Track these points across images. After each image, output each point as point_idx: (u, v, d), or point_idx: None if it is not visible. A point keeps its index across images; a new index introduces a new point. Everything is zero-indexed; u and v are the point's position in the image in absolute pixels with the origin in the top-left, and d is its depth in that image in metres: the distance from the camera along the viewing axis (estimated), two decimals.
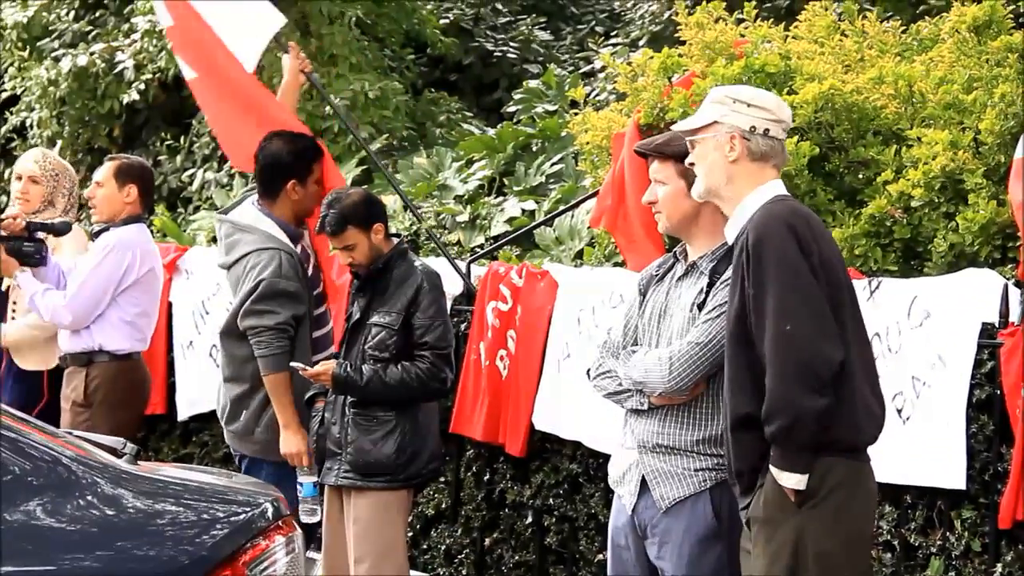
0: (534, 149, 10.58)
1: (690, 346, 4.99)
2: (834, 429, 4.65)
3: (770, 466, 4.66)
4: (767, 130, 4.85)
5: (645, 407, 5.13)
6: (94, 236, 7.66)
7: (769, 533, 4.70)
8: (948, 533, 6.11)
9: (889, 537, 6.24)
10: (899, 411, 6.06)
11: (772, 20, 7.80)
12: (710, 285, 5.07)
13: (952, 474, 5.96)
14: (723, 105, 4.88)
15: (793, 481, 4.63)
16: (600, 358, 5.34)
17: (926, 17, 7.97)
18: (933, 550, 6.13)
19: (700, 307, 5.06)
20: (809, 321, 4.59)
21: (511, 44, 13.86)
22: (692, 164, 4.94)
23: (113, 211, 7.57)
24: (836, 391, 4.62)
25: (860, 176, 6.76)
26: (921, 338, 6.05)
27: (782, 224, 4.68)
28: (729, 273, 4.94)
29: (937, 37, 7.43)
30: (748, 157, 4.84)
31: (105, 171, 7.64)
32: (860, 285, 6.16)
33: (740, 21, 7.65)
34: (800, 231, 4.67)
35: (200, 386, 9.47)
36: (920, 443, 5.99)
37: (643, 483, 5.15)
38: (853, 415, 4.69)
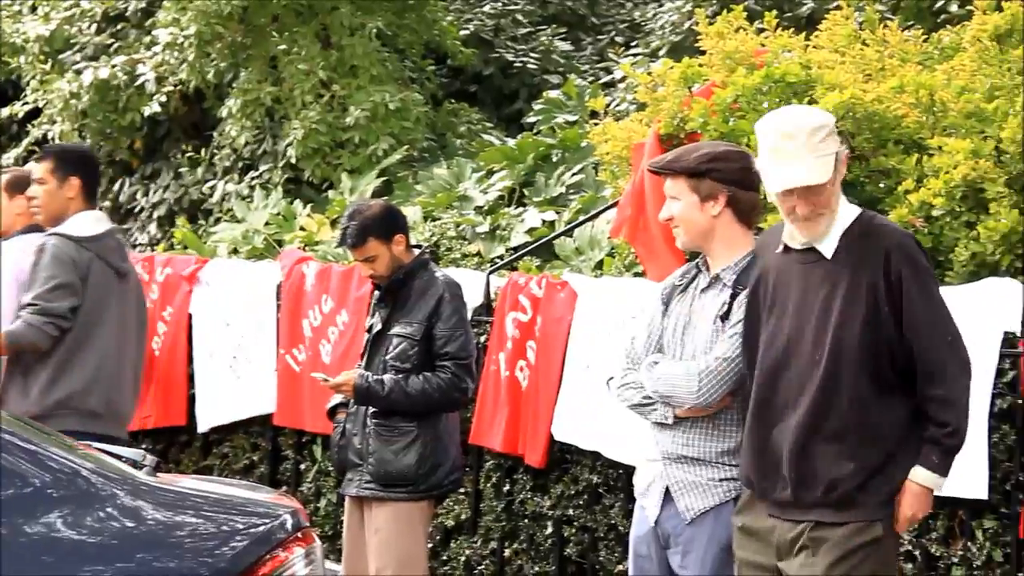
0: (554, 159, 10.57)
1: (718, 361, 5.00)
2: None
3: (927, 473, 4.72)
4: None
5: (670, 420, 5.14)
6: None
7: (854, 565, 4.75)
8: (970, 543, 6.08)
9: (911, 547, 6.22)
10: None
11: (792, 29, 7.78)
12: (733, 296, 5.07)
13: (974, 484, 5.93)
14: (826, 142, 4.79)
15: (940, 485, 4.78)
16: (624, 370, 5.34)
17: (947, 26, 7.96)
18: (955, 560, 6.11)
19: (724, 319, 5.06)
20: (960, 335, 4.80)
21: (531, 55, 13.85)
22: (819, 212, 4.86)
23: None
24: None
25: (881, 185, 6.74)
26: None
27: (912, 238, 4.89)
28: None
29: (958, 46, 7.41)
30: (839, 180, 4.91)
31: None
32: None
33: (760, 31, 7.64)
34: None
35: (220, 398, 9.49)
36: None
37: (667, 494, 5.15)
38: None
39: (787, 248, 4.90)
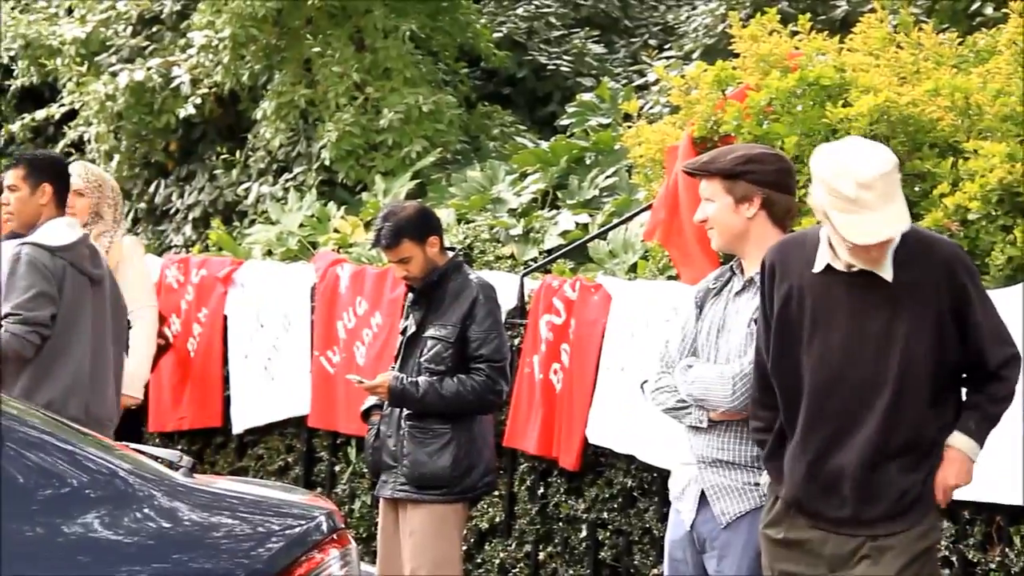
0: (587, 162, 10.57)
1: (752, 365, 4.98)
2: None
3: (969, 440, 4.77)
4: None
5: (704, 424, 5.14)
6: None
7: (912, 565, 4.76)
8: (1007, 549, 6.06)
9: (947, 553, 6.19)
10: None
11: (827, 32, 7.76)
12: None
13: (1011, 489, 5.91)
14: (898, 183, 4.71)
15: (978, 452, 4.82)
16: (658, 373, 5.33)
17: (983, 29, 7.92)
18: (992, 567, 6.08)
19: (758, 322, 5.05)
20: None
21: (564, 57, 13.85)
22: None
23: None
24: None
25: (916, 189, 6.72)
26: None
27: (960, 247, 5.04)
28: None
29: (994, 49, 7.38)
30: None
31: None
32: None
33: (794, 33, 7.62)
34: None
35: (255, 399, 9.52)
36: (980, 457, 5.94)
37: (702, 498, 5.15)
38: None
39: (828, 267, 4.77)
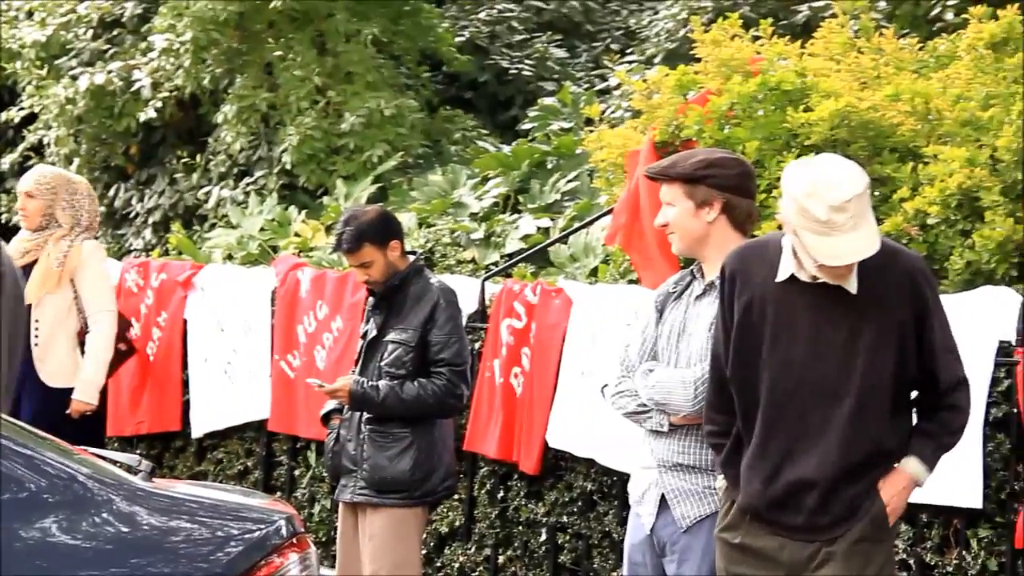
0: (549, 166, 10.57)
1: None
2: None
3: (919, 463, 4.75)
4: None
5: (665, 428, 5.14)
6: None
7: (864, 561, 4.72)
8: (964, 552, 6.08)
9: (905, 556, 6.22)
10: None
11: (788, 37, 7.79)
12: None
13: (968, 493, 5.93)
14: (868, 202, 4.65)
15: (923, 482, 4.80)
16: (618, 377, 5.33)
17: (943, 34, 7.96)
18: (949, 569, 6.11)
19: None
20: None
21: (526, 62, 13.86)
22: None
23: None
24: None
25: (876, 193, 6.74)
26: None
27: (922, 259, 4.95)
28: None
29: (954, 54, 7.42)
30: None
31: None
32: None
33: (756, 38, 7.65)
34: None
35: (215, 403, 9.48)
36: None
37: (663, 502, 5.15)
38: None
39: (792, 277, 4.72)
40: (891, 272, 4.70)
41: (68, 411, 7.73)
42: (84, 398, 7.75)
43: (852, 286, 4.66)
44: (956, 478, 5.93)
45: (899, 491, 4.75)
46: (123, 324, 8.23)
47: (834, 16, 7.77)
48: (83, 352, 7.85)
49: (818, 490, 4.71)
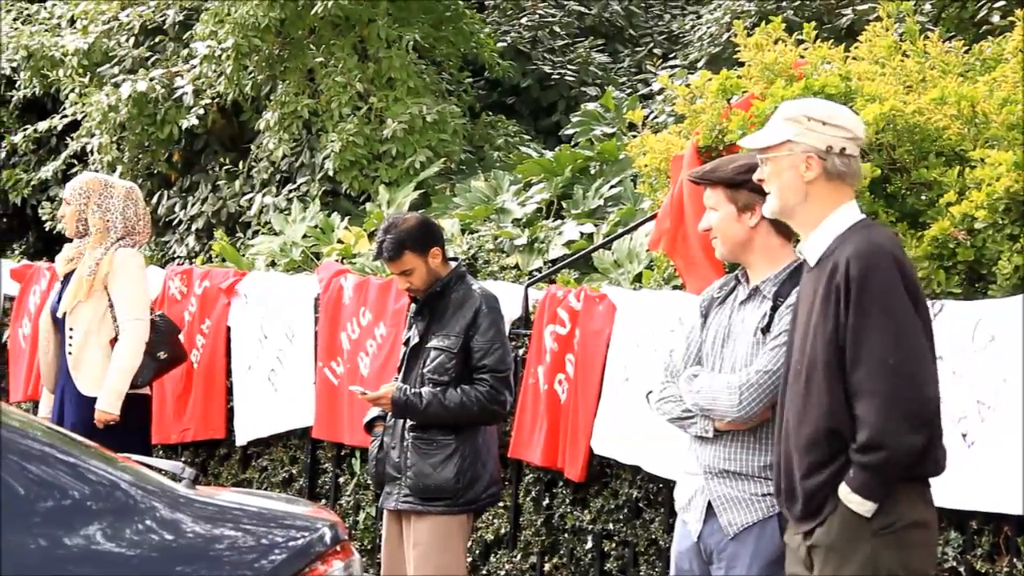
0: (592, 172, 10.55)
1: (759, 374, 4.96)
2: (921, 462, 4.65)
3: (845, 488, 4.62)
4: (844, 149, 4.80)
5: (710, 434, 5.11)
6: None
7: (840, 560, 4.65)
8: (1015, 559, 6.02)
9: (955, 564, 6.16)
10: (964, 435, 5.98)
11: (832, 41, 7.73)
12: (774, 309, 5.04)
13: (1019, 499, 5.87)
14: (797, 123, 4.80)
15: (866, 508, 4.60)
16: (663, 383, 5.31)
17: (989, 37, 7.90)
18: None
19: (764, 331, 5.03)
20: (913, 357, 4.58)
21: (569, 67, 13.84)
22: (762, 180, 4.90)
23: None
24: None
25: (922, 198, 6.69)
26: (986, 361, 5.98)
27: (888, 256, 4.64)
28: (793, 297, 4.92)
29: (1000, 57, 7.35)
30: (825, 177, 4.79)
31: None
32: None
33: (800, 42, 7.60)
34: (902, 261, 4.68)
35: (259, 411, 9.49)
36: (985, 468, 5.91)
37: (709, 508, 5.13)
38: (936, 449, 4.71)
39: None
40: (841, 250, 4.68)
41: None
42: (105, 407, 7.69)
43: (811, 255, 4.78)
44: (1006, 484, 5.88)
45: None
46: (171, 329, 8.15)
47: (879, 19, 7.71)
48: None
49: (782, 472, 4.77)
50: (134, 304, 7.84)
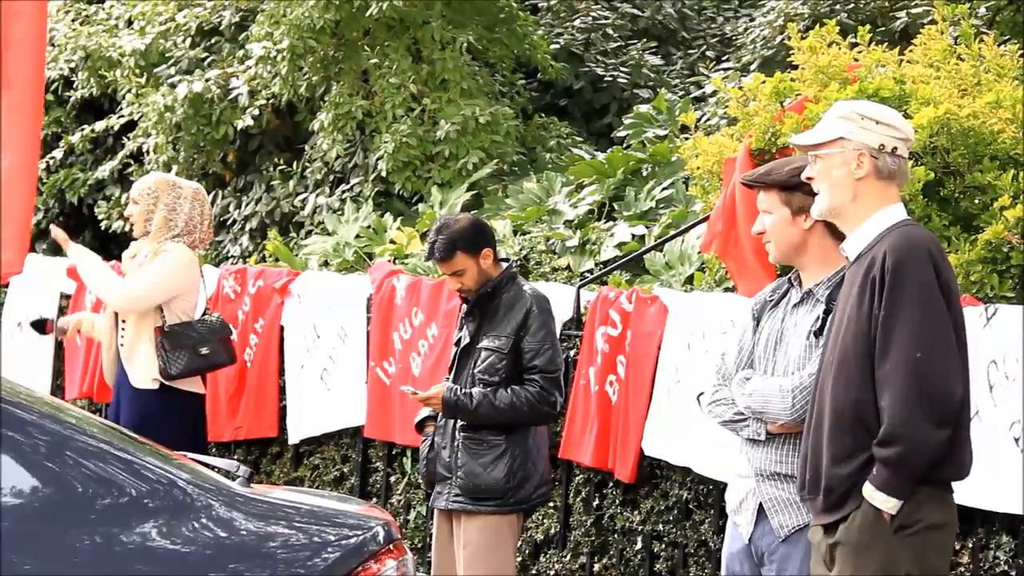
0: (644, 174, 10.54)
1: (811, 378, 4.95)
2: (943, 464, 4.62)
3: (868, 485, 4.62)
4: (895, 148, 4.81)
5: (762, 437, 5.11)
6: None
7: (860, 559, 4.65)
8: None
9: (1007, 567, 6.14)
10: (1016, 440, 5.96)
11: (886, 44, 7.71)
12: (827, 312, 5.04)
13: None
14: (850, 121, 4.81)
15: (889, 505, 4.60)
16: (715, 386, 5.32)
17: None
18: None
19: (817, 335, 5.03)
20: (941, 353, 4.58)
21: (621, 69, 13.83)
22: (811, 179, 4.89)
23: None
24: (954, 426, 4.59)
25: (976, 201, 6.67)
26: None
27: (924, 250, 4.66)
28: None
29: None
30: (875, 176, 4.80)
31: None
32: (976, 312, 6.08)
33: (854, 45, 7.58)
34: (938, 260, 4.67)
35: (311, 410, 9.54)
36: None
37: (760, 511, 5.13)
38: (961, 452, 4.69)
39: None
40: (880, 246, 4.71)
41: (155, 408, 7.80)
42: (68, 244, 7.87)
43: (851, 251, 4.81)
44: None
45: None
46: (222, 329, 8.16)
47: (933, 23, 7.69)
48: (159, 350, 7.82)
49: (808, 462, 4.78)
50: (149, 278, 7.83)
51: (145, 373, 7.80)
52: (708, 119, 11.04)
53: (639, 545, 7.78)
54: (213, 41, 13.77)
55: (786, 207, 5.17)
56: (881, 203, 4.79)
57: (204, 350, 7.92)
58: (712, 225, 7.35)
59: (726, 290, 7.80)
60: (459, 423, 6.62)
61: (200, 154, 13.17)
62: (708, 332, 7.29)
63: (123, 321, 7.90)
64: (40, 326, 8.60)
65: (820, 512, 4.77)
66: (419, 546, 8.82)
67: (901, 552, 4.62)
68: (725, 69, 12.68)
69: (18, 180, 6.76)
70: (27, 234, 7.08)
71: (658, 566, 7.70)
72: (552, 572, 8.20)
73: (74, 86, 14.12)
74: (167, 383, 7.76)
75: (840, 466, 4.68)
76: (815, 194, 5.01)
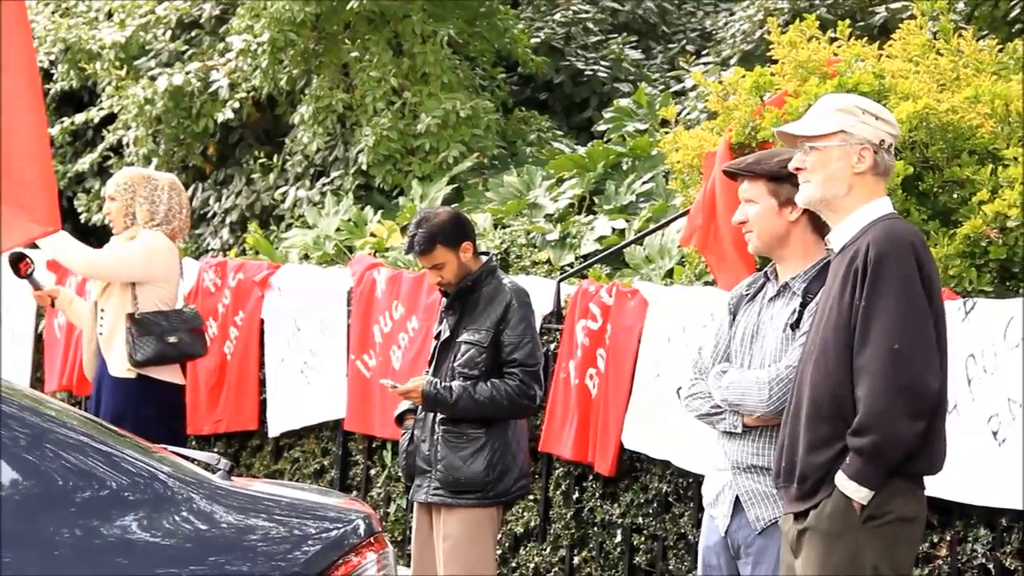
0: (624, 168, 10.56)
1: (788, 369, 4.97)
2: (916, 456, 4.65)
3: (841, 474, 4.63)
4: (890, 145, 4.83)
5: (739, 429, 5.12)
6: None
7: (828, 547, 4.67)
8: None
9: (984, 561, 6.16)
10: (994, 433, 5.99)
11: (866, 39, 7.74)
12: (803, 305, 5.05)
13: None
14: (850, 115, 4.80)
15: (861, 495, 4.61)
16: (692, 380, 5.33)
17: (1023, 35, 7.88)
18: None
19: (794, 327, 5.04)
20: (919, 345, 4.60)
21: (602, 63, 13.84)
22: (799, 169, 4.88)
23: None
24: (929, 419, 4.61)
25: (955, 196, 6.70)
26: (1017, 359, 5.97)
27: (907, 243, 4.67)
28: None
29: None
30: (872, 170, 4.81)
31: None
32: (955, 306, 6.10)
33: (833, 40, 7.60)
34: (922, 254, 4.69)
35: (291, 403, 9.54)
36: (1015, 465, 5.92)
37: (737, 504, 5.14)
38: (935, 446, 4.71)
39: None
40: (864, 238, 4.72)
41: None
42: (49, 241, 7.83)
43: (836, 242, 4.82)
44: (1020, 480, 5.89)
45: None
46: (194, 320, 8.12)
47: (912, 17, 7.71)
48: (128, 334, 7.84)
49: (784, 451, 4.79)
50: (118, 253, 7.90)
51: (123, 361, 7.81)
52: (688, 113, 11.06)
53: (619, 538, 7.79)
54: (193, 34, 13.74)
55: (773, 198, 5.16)
56: (870, 197, 4.81)
57: (172, 339, 7.88)
58: (692, 219, 7.37)
59: (706, 284, 7.82)
60: (439, 416, 6.62)
61: (180, 147, 13.16)
62: (688, 326, 7.30)
63: (102, 310, 7.91)
64: (16, 264, 8.23)
65: (793, 500, 4.78)
66: (399, 539, 8.83)
67: (869, 543, 4.64)
68: (705, 63, 12.70)
69: (37, 138, 6.74)
70: (54, 188, 7.07)
71: (637, 559, 7.72)
72: (532, 565, 8.21)
73: (54, 79, 14.09)
74: (143, 372, 7.77)
75: (815, 454, 4.69)
76: None
